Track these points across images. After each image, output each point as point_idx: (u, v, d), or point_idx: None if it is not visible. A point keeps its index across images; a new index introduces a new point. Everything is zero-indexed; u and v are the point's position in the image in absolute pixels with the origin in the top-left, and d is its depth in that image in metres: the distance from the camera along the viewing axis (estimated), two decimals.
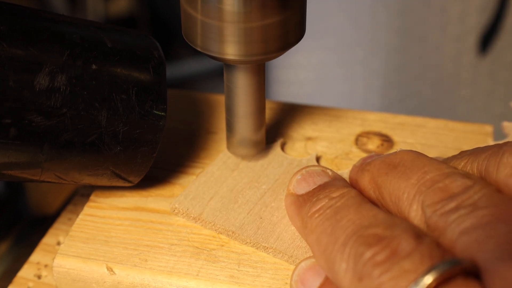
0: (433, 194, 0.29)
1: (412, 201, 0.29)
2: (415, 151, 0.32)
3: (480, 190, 0.28)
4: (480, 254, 0.26)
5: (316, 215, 0.31)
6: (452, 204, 0.28)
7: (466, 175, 0.29)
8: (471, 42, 0.93)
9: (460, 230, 0.27)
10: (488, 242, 0.26)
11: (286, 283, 0.34)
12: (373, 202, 0.33)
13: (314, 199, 0.32)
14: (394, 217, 0.29)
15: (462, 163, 0.32)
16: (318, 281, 0.31)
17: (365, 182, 0.33)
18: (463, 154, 0.33)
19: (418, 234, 0.27)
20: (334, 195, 0.32)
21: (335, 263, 0.28)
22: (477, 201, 0.28)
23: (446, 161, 0.34)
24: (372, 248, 0.27)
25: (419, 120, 0.44)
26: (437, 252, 0.26)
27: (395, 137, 0.43)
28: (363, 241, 0.28)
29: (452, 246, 0.27)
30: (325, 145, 0.42)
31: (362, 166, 0.34)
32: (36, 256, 0.41)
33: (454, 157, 0.34)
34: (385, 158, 0.33)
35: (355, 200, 0.31)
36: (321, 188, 0.33)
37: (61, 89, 0.32)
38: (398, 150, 0.33)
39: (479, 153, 0.32)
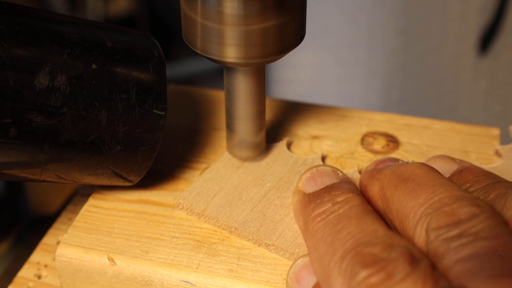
0: (438, 217, 0.29)
1: (418, 223, 0.29)
2: (427, 165, 0.32)
3: (485, 220, 0.28)
4: (472, 283, 0.26)
5: (318, 219, 0.31)
6: (455, 231, 0.28)
7: (475, 202, 0.29)
8: (471, 42, 0.93)
9: (457, 258, 0.27)
10: (480, 273, 0.26)
11: (285, 278, 0.34)
12: (380, 213, 0.33)
13: (318, 201, 0.32)
14: (394, 235, 0.29)
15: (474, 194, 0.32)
16: (312, 280, 0.31)
17: (374, 191, 0.33)
18: (474, 183, 0.33)
19: (415, 258, 0.27)
20: (338, 199, 0.32)
21: (331, 275, 0.28)
22: (480, 231, 0.28)
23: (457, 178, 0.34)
24: (367, 269, 0.27)
25: (425, 121, 0.44)
26: (431, 279, 0.26)
27: (401, 138, 0.43)
28: (360, 259, 0.28)
29: (447, 272, 0.27)
30: (331, 144, 0.42)
31: (372, 174, 0.34)
32: (36, 256, 0.41)
33: (466, 180, 0.34)
34: (396, 168, 0.32)
35: (358, 209, 0.31)
36: (327, 189, 0.33)
37: (61, 89, 0.32)
38: (410, 161, 0.33)
39: (489, 190, 0.32)
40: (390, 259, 0.27)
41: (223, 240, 0.36)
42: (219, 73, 1.20)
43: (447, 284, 0.26)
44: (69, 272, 0.36)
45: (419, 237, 0.29)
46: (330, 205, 0.31)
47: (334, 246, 0.29)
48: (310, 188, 0.34)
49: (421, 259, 0.27)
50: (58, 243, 0.42)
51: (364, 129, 0.44)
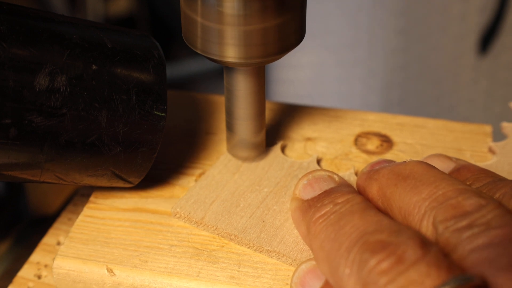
0: (445, 210, 0.28)
1: (423, 217, 0.29)
2: (425, 163, 0.32)
3: (493, 210, 0.28)
4: (490, 271, 0.25)
5: (320, 220, 0.31)
6: (464, 222, 0.28)
7: (480, 194, 0.29)
8: (471, 42, 0.93)
9: (471, 247, 0.27)
10: (499, 260, 0.26)
11: (287, 284, 0.34)
12: None
13: (318, 205, 0.32)
14: (400, 224, 0.29)
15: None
16: (318, 284, 0.31)
17: (373, 192, 0.33)
18: (474, 181, 0.33)
19: (425, 242, 0.27)
20: (339, 200, 0.31)
21: (338, 268, 0.28)
22: (490, 221, 0.27)
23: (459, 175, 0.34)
24: (377, 255, 0.27)
25: (418, 120, 0.44)
26: (444, 263, 0.26)
27: (395, 138, 0.43)
28: (368, 247, 0.27)
29: (461, 262, 0.27)
30: (325, 146, 0.42)
31: (369, 174, 0.33)
32: (36, 256, 0.41)
33: (465, 178, 0.34)
34: (394, 167, 0.32)
35: (360, 206, 0.31)
36: (326, 193, 0.33)
37: (61, 90, 0.32)
38: (408, 160, 0.33)
39: (492, 188, 0.32)
40: (399, 243, 0.27)
41: (223, 246, 0.36)
42: (219, 73, 1.20)
43: (462, 273, 0.26)
44: (67, 284, 0.35)
45: (426, 230, 0.29)
46: (331, 206, 0.31)
47: (339, 240, 0.29)
48: (308, 195, 0.33)
49: (431, 244, 0.27)
50: (58, 243, 0.42)
51: (358, 130, 0.44)
